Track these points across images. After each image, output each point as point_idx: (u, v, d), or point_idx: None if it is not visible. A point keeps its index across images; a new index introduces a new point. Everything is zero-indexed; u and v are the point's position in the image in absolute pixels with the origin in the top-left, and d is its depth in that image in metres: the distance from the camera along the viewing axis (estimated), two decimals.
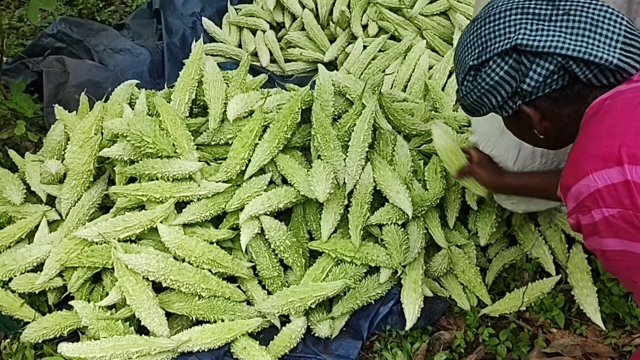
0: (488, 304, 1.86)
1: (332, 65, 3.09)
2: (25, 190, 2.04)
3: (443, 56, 2.86)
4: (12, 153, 2.20)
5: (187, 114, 1.96)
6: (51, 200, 2.05)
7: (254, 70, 3.02)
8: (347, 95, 1.95)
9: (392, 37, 2.98)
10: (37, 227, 1.95)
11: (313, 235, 1.90)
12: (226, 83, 1.95)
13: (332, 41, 3.11)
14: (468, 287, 1.87)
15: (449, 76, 2.73)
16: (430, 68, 2.81)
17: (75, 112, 2.38)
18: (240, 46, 3.27)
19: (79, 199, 1.93)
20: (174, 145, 1.80)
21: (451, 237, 1.90)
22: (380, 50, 2.92)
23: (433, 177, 1.89)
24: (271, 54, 3.12)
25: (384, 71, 2.83)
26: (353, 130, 1.85)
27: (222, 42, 3.26)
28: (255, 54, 3.16)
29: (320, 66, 2.02)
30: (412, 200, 1.79)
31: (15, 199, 1.98)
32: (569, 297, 1.84)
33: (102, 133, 1.98)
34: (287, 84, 2.38)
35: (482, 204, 1.89)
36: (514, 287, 1.91)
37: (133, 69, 3.06)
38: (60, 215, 1.97)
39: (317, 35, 3.08)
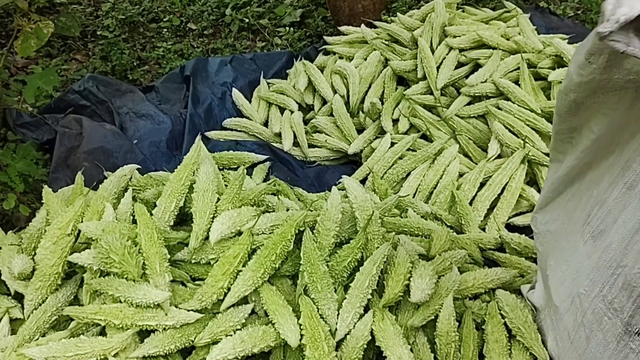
0: None
1: (356, 157, 2.88)
2: None
3: (476, 164, 2.61)
4: None
5: (172, 223, 1.76)
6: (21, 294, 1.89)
7: (275, 154, 2.85)
8: (356, 223, 1.73)
9: (424, 136, 2.76)
10: None
11: None
12: (218, 194, 1.75)
13: (360, 131, 2.91)
14: None
15: (480, 188, 2.48)
16: (460, 176, 2.57)
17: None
18: (266, 123, 3.12)
19: (43, 302, 1.75)
20: (144, 265, 1.59)
21: None
22: (408, 149, 2.70)
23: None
24: (295, 137, 2.95)
25: (409, 173, 2.61)
26: (358, 271, 1.62)
27: (248, 117, 3.12)
28: (279, 134, 3.00)
29: (333, 189, 1.80)
30: None
31: None
32: None
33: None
34: (297, 188, 2.19)
35: None
36: None
37: (152, 137, 2.94)
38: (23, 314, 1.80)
39: (344, 124, 2.88)
